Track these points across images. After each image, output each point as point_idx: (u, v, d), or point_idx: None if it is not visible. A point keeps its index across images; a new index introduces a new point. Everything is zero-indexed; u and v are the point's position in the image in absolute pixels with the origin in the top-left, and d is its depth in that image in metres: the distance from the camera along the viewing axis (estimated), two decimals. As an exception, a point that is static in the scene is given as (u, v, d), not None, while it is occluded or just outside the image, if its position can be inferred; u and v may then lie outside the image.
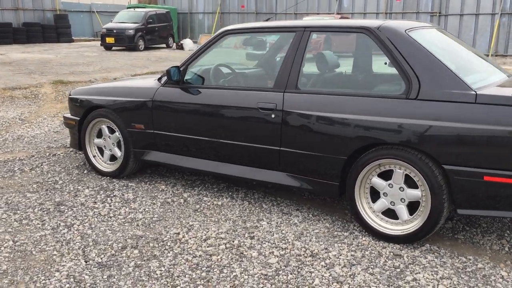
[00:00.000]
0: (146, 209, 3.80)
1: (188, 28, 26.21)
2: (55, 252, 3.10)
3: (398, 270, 2.91)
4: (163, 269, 2.91)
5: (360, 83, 3.69)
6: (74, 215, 3.68)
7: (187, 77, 4.05)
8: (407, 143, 3.06)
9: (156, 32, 21.09)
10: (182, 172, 4.67)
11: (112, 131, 4.48)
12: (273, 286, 2.73)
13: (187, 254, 3.09)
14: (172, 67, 3.95)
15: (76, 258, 3.03)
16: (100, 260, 3.00)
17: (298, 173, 3.58)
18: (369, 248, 3.17)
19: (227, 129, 3.80)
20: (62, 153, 5.31)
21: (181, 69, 3.99)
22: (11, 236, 3.31)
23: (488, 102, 2.87)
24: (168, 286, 2.73)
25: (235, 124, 3.76)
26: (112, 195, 4.09)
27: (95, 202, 3.93)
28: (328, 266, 2.95)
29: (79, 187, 4.26)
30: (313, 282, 2.76)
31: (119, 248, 3.17)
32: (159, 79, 4.37)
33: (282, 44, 4.31)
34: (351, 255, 3.09)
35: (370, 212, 3.32)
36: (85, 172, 4.68)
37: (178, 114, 4.03)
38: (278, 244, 3.23)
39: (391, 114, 3.12)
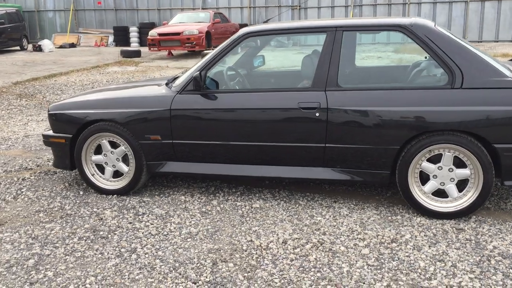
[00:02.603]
0: (192, 222, 3.66)
1: (36, 28, 24.17)
2: (150, 280, 2.88)
3: (474, 242, 3.26)
4: (277, 277, 2.89)
5: (400, 77, 3.96)
6: (124, 239, 3.40)
7: (207, 82, 3.94)
8: (458, 128, 3.42)
9: (7, 34, 19.12)
10: (183, 179, 4.52)
11: (114, 145, 4.16)
12: (389, 274, 2.89)
13: (283, 259, 3.09)
14: (196, 74, 3.81)
15: (180, 281, 2.86)
16: (207, 279, 2.87)
17: (345, 166, 3.75)
18: (432, 228, 3.47)
19: (265, 132, 3.81)
20: (29, 175, 4.75)
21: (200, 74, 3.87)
22: (84, 272, 2.97)
23: None
24: (299, 292, 2.73)
25: (274, 125, 3.79)
26: (140, 213, 3.84)
27: (131, 223, 3.66)
28: (416, 248, 3.19)
29: (95, 210, 3.91)
30: (420, 265, 2.98)
31: (211, 264, 3.05)
32: (168, 85, 4.18)
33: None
34: (424, 235, 3.37)
35: (421, 194, 3.62)
36: (81, 193, 4.28)
37: (205, 122, 3.91)
38: (353, 236, 3.38)
39: (440, 103, 3.45)
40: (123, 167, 4.17)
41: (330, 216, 3.70)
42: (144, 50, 17.33)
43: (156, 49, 15.67)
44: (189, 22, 16.50)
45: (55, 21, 24.01)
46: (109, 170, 4.22)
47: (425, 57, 3.74)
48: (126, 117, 4.02)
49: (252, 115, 3.82)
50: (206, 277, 2.89)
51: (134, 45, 20.71)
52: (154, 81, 4.93)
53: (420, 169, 3.59)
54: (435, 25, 3.69)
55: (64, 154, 4.29)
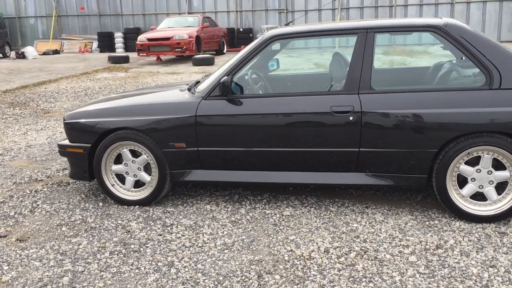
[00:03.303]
0: (225, 233, 3.52)
1: (18, 34, 23.67)
2: (197, 296, 2.74)
3: (520, 245, 3.19)
4: (324, 287, 2.78)
5: (435, 79, 3.88)
6: (158, 252, 3.25)
7: (232, 87, 3.81)
8: (497, 129, 3.35)
9: (-11, 41, 18.70)
10: (204, 187, 4.38)
11: (134, 154, 4.00)
12: (444, 282, 2.80)
13: (330, 269, 2.98)
14: (225, 78, 3.68)
15: (229, 296, 2.72)
16: (258, 294, 2.74)
17: (380, 171, 3.65)
18: (473, 232, 3.40)
19: (296, 137, 3.70)
20: (41, 187, 4.56)
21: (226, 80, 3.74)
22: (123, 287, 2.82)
23: None
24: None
25: (306, 130, 3.68)
26: (168, 224, 3.69)
27: (161, 235, 3.51)
28: (464, 254, 3.11)
29: (119, 222, 3.75)
30: (472, 271, 2.89)
31: (256, 276, 2.92)
32: (190, 90, 4.05)
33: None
34: (468, 240, 3.28)
35: (459, 197, 3.55)
36: (100, 204, 4.11)
37: (232, 128, 3.78)
38: (395, 243, 3.28)
39: (478, 105, 3.38)
40: (145, 177, 4.01)
41: (365, 223, 3.60)
42: (132, 55, 17.08)
43: (145, 54, 15.45)
44: (178, 26, 16.33)
45: (37, 28, 23.56)
46: (130, 180, 4.06)
47: (461, 58, 3.67)
48: (149, 124, 3.87)
49: (282, 120, 3.70)
50: (256, 292, 2.76)
51: (120, 51, 20.43)
52: (172, 86, 4.79)
53: (458, 172, 3.51)
54: (467, 25, 3.63)
55: (81, 164, 4.11)
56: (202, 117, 3.80)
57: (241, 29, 20.44)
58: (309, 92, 3.93)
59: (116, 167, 4.05)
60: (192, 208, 3.98)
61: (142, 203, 4.03)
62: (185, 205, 4.06)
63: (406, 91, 3.59)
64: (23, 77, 12.99)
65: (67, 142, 4.20)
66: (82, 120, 4.08)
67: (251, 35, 20.39)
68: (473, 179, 3.50)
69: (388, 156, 3.58)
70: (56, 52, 20.88)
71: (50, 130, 6.89)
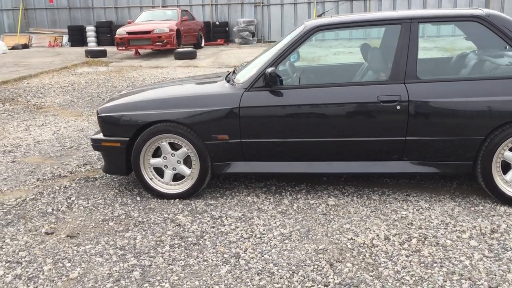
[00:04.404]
0: (277, 223, 3.52)
1: (-18, 28, 22.81)
2: (277, 285, 2.73)
3: None
4: (404, 274, 2.81)
5: (479, 68, 3.95)
6: (219, 244, 3.23)
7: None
8: (542, 116, 3.47)
9: (-44, 35, 17.94)
10: (237, 179, 4.36)
11: (172, 147, 3.95)
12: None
13: (398, 255, 3.02)
14: (271, 69, 3.67)
15: (310, 285, 2.73)
16: (337, 281, 2.76)
17: (425, 159, 3.72)
18: (520, 215, 3.51)
19: (341, 127, 3.73)
20: (68, 183, 4.44)
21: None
22: (202, 281, 2.78)
23: None
24: (435, 286, 2.68)
25: (351, 120, 3.71)
26: (216, 216, 3.67)
27: (214, 227, 3.48)
28: (520, 237, 3.21)
29: (165, 215, 3.70)
30: (536, 253, 2.99)
31: (328, 265, 2.93)
32: (228, 81, 4.02)
33: (386, 36, 4.29)
34: (518, 224, 3.39)
35: (503, 183, 3.65)
36: (138, 199, 4.04)
37: (277, 119, 3.78)
38: (450, 228, 3.35)
39: (524, 93, 3.49)
40: (185, 170, 3.96)
41: (413, 210, 3.66)
42: (108, 49, 16.71)
43: (125, 48, 15.15)
44: (156, 20, 16.08)
45: (2, 21, 22.74)
46: (169, 173, 4.00)
47: (505, 47, 3.77)
48: (191, 117, 3.82)
49: (329, 110, 3.72)
50: (334, 279, 2.78)
51: (92, 45, 19.96)
52: (207, 77, 4.75)
53: (502, 159, 3.61)
54: (506, 16, 3.72)
55: (118, 158, 4.02)
56: (245, 109, 3.77)
57: (217, 23, 20.31)
58: (354, 82, 3.96)
59: (155, 161, 3.98)
60: (234, 200, 3.95)
61: (181, 196, 3.98)
62: (224, 197, 4.03)
63: (452, 80, 3.67)
64: (1, 72, 12.53)
65: (101, 136, 4.09)
66: (119, 114, 3.99)
67: (227, 28, 20.30)
68: (517, 165, 3.61)
69: (435, 144, 3.65)
70: (25, 46, 20.22)
71: (53, 126, 6.70)
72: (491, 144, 3.56)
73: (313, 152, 3.82)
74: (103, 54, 15.52)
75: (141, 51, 16.19)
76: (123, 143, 3.96)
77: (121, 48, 15.20)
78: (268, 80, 3.70)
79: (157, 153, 4.00)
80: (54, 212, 3.82)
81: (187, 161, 3.97)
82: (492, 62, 3.81)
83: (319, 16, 4.31)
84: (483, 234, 3.26)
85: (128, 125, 3.94)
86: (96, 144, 4.11)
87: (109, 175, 4.56)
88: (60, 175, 4.68)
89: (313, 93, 3.78)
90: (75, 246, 3.24)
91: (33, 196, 4.14)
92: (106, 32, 20.35)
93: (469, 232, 3.28)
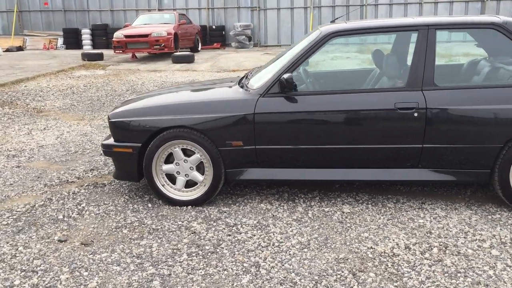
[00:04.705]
0: (294, 231, 3.47)
1: (-25, 30, 22.61)
2: (302, 296, 2.69)
3: None
4: (429, 284, 2.78)
5: (497, 75, 3.93)
6: (237, 252, 3.17)
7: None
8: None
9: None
10: (248, 186, 4.31)
11: (185, 153, 3.89)
12: (536, 274, 2.86)
13: (420, 265, 2.99)
14: (288, 75, 3.63)
15: (335, 296, 2.68)
16: (362, 292, 2.72)
17: (442, 167, 3.69)
18: (539, 224, 3.50)
19: (357, 133, 3.69)
20: (77, 189, 4.37)
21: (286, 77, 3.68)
22: (224, 292, 2.73)
23: None
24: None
25: (368, 127, 3.68)
26: (231, 224, 3.61)
27: (230, 235, 3.43)
28: (542, 246, 3.18)
29: (179, 223, 3.64)
30: (559, 263, 2.97)
31: (351, 275, 2.89)
32: (241, 86, 3.98)
33: (401, 43, 4.27)
34: (539, 232, 3.37)
35: (519, 191, 3.64)
36: (149, 205, 3.98)
37: (292, 125, 3.74)
38: (470, 237, 3.32)
39: (542, 101, 3.47)
40: (198, 176, 3.91)
41: (430, 218, 3.63)
42: (104, 52, 16.60)
43: (122, 51, 15.05)
44: (154, 23, 16.00)
45: (-4, 23, 22.56)
46: (181, 179, 3.94)
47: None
48: (205, 123, 3.77)
49: (345, 117, 3.69)
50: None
51: (87, 48, 19.84)
52: (217, 82, 4.70)
53: (519, 166, 3.60)
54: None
55: (130, 164, 3.96)
56: (261, 115, 3.73)
57: (213, 27, 20.26)
58: (370, 89, 3.93)
59: (167, 167, 3.93)
60: (247, 207, 3.90)
61: (194, 203, 3.92)
62: (237, 204, 3.98)
63: (469, 87, 3.65)
64: (5, 73, 12.40)
65: (112, 141, 4.03)
66: (131, 119, 3.93)
67: (223, 32, 20.26)
68: (533, 172, 3.59)
69: (451, 152, 3.63)
70: (20, 48, 20.05)
71: (55, 130, 6.61)
72: (509, 152, 3.55)
73: (329, 159, 3.79)
74: (100, 57, 15.42)
75: (138, 54, 16.10)
76: (135, 149, 3.90)
77: (118, 51, 15.10)
78: (284, 86, 3.66)
79: (169, 159, 3.94)
80: (65, 219, 3.74)
81: (199, 168, 3.92)
82: (506, 70, 3.80)
83: (332, 22, 4.28)
84: (504, 243, 3.23)
85: (141, 131, 3.88)
86: (107, 150, 4.05)
87: (117, 181, 4.49)
88: (67, 180, 4.60)
89: (330, 99, 3.75)
90: (91, 254, 3.18)
91: (42, 202, 4.06)
92: (101, 35, 20.24)
93: (490, 241, 3.25)
